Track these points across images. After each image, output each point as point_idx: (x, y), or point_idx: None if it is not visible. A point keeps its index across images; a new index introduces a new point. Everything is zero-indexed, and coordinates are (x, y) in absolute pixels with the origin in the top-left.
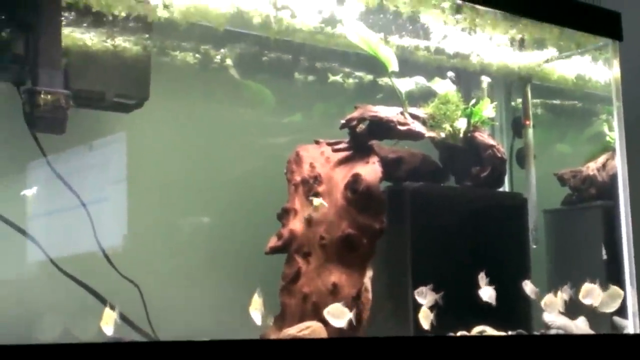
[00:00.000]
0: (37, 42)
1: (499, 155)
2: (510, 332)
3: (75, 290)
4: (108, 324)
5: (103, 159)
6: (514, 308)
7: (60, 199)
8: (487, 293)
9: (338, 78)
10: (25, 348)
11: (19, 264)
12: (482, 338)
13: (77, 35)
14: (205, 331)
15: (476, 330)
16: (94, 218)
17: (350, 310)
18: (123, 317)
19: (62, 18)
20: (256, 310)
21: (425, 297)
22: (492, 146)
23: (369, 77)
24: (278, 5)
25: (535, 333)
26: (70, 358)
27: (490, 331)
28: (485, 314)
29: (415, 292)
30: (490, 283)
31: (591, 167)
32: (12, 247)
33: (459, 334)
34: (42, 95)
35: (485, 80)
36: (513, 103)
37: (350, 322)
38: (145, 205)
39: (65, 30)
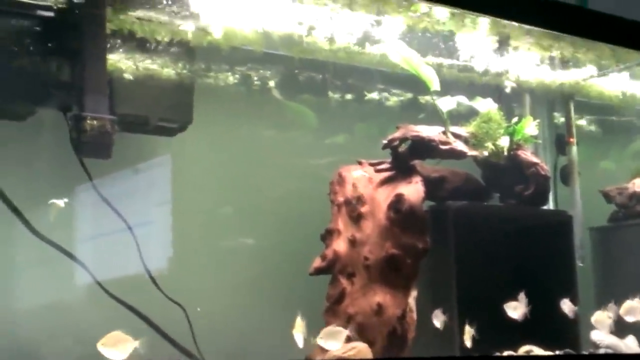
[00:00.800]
0: (82, 68)
1: (543, 172)
2: (557, 352)
3: (123, 313)
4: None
5: (148, 182)
6: (561, 327)
7: (107, 223)
8: (515, 308)
9: (379, 97)
10: None
11: (68, 287)
12: (529, 358)
13: (121, 61)
14: (251, 352)
15: (523, 350)
16: (140, 240)
17: (394, 330)
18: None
19: (107, 44)
20: (299, 332)
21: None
22: (535, 164)
23: (411, 96)
24: (320, 26)
25: (584, 352)
26: None
27: (537, 351)
28: (532, 333)
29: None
30: (535, 301)
31: (637, 184)
32: (60, 270)
33: (505, 353)
34: (88, 121)
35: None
36: (562, 119)
37: (349, 338)
38: (189, 227)
39: (110, 56)
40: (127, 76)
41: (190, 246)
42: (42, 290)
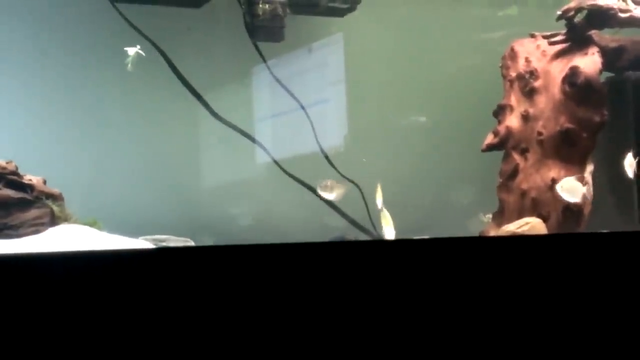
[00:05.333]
0: None
1: None
2: None
3: (299, 191)
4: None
5: (321, 62)
6: None
7: (282, 103)
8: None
9: None
10: (250, 248)
11: (246, 166)
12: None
13: None
14: (424, 229)
15: None
16: (314, 120)
17: (569, 205)
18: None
19: None
20: (388, 225)
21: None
22: None
23: None
24: None
25: None
26: (292, 256)
27: None
28: None
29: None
30: None
31: None
32: (239, 150)
33: None
34: (260, 5)
35: None
36: None
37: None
38: (362, 106)
39: None
40: None
41: (364, 125)
42: (222, 169)
